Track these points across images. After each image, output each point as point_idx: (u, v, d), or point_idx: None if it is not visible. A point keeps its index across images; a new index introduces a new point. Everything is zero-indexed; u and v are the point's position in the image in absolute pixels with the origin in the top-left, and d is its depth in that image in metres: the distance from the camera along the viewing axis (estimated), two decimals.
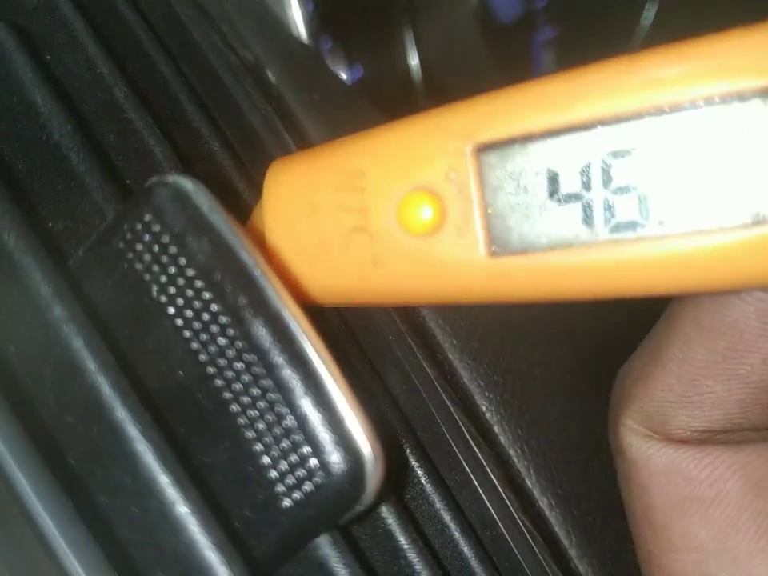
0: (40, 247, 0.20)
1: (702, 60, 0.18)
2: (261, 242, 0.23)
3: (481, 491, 0.25)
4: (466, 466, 0.26)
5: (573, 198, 0.19)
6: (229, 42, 0.33)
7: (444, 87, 0.47)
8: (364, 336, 0.27)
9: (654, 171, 0.18)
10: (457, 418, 0.26)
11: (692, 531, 0.23)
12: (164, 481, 0.18)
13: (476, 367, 0.28)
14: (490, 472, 0.26)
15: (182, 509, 0.18)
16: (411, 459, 0.25)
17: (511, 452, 0.27)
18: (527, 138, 0.19)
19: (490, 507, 0.25)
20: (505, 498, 0.25)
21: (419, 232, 0.21)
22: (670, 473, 0.24)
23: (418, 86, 0.47)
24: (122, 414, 0.19)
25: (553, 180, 0.19)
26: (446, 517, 0.24)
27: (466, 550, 0.24)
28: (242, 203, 0.28)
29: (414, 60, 0.47)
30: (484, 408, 0.28)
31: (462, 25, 0.47)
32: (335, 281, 0.22)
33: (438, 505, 0.25)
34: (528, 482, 0.27)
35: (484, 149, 0.20)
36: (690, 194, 0.18)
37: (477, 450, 0.26)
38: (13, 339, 0.20)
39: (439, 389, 0.27)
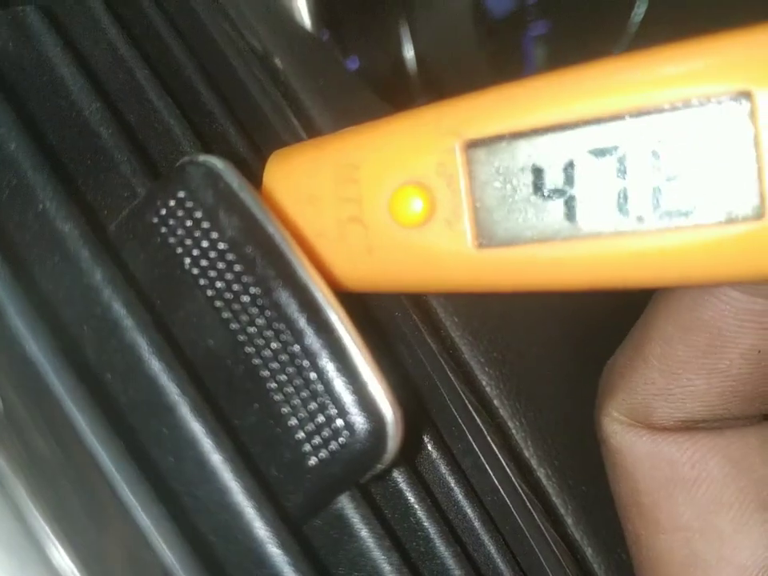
0: (80, 216, 0.21)
1: (679, 64, 0.19)
2: None
3: (483, 459, 0.27)
4: (468, 435, 0.27)
5: (556, 193, 0.20)
6: (238, 28, 0.34)
7: (438, 80, 0.48)
8: (371, 310, 0.29)
9: (634, 170, 0.20)
10: (460, 391, 0.28)
11: (678, 511, 0.25)
12: (199, 431, 0.20)
13: (476, 344, 0.30)
14: (491, 442, 0.27)
15: (217, 457, 0.20)
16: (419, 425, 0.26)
17: (510, 424, 0.29)
18: (514, 136, 0.20)
19: (491, 474, 0.27)
20: (505, 466, 0.27)
21: (410, 223, 0.22)
22: (653, 457, 0.25)
23: (413, 78, 0.48)
24: (159, 369, 0.20)
25: (538, 176, 0.20)
26: (451, 481, 0.26)
27: (469, 512, 0.26)
28: (256, 184, 0.29)
29: (409, 52, 0.48)
30: (484, 383, 0.29)
31: (457, 19, 0.48)
32: (331, 268, 0.24)
33: (444, 469, 0.26)
34: (526, 453, 0.28)
35: (473, 145, 0.21)
36: (667, 192, 0.19)
37: (479, 421, 0.27)
38: (54, 302, 0.21)
39: (443, 362, 0.28)
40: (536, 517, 0.27)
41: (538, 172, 0.20)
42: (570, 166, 0.20)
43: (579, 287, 0.21)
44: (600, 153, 0.20)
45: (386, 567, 0.21)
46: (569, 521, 0.28)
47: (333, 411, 0.21)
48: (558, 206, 0.20)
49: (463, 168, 0.21)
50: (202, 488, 0.20)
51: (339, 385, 0.21)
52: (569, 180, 0.20)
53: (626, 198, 0.20)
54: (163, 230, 0.23)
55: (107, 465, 0.18)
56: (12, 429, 0.18)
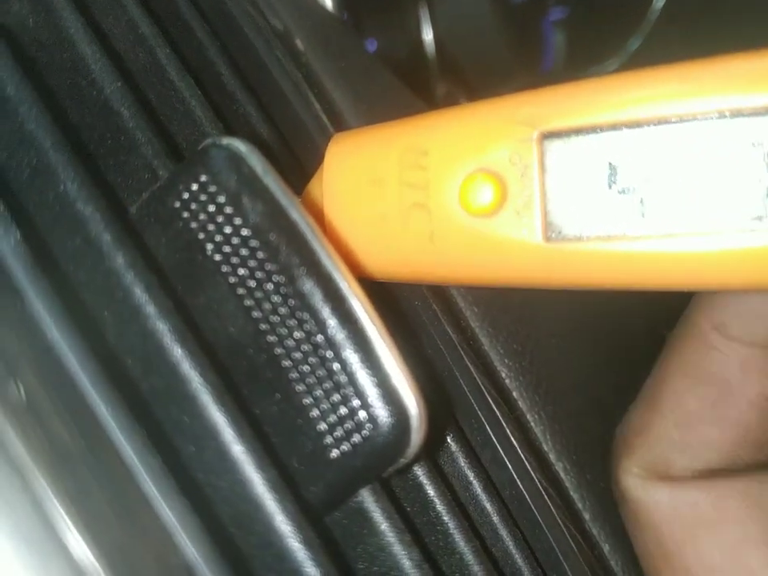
0: (101, 197, 0.21)
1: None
2: (316, 212, 0.24)
3: (501, 452, 0.26)
4: (487, 427, 0.27)
5: (630, 191, 0.20)
6: (260, 8, 0.34)
7: (457, 63, 0.48)
8: (392, 300, 0.28)
9: (714, 171, 0.19)
10: (479, 382, 0.27)
11: (705, 553, 0.25)
12: (221, 420, 0.19)
13: (496, 335, 0.29)
14: (510, 435, 0.27)
15: (238, 448, 0.19)
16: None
17: (529, 417, 0.28)
18: (591, 130, 0.20)
19: (510, 467, 0.26)
20: (524, 459, 0.27)
21: (478, 212, 0.21)
22: (675, 502, 0.25)
23: (431, 62, 0.47)
24: (181, 357, 0.20)
25: (612, 171, 0.20)
26: (470, 474, 0.26)
27: (488, 506, 0.25)
28: (277, 167, 0.29)
29: (428, 35, 0.47)
30: (503, 374, 0.29)
31: (476, 2, 0.48)
32: (391, 255, 0.23)
33: (462, 462, 0.26)
34: (545, 447, 0.28)
35: (549, 136, 0.21)
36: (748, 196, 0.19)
37: (498, 413, 0.27)
38: (75, 286, 0.20)
39: (462, 353, 0.28)
40: (554, 512, 0.26)
41: (613, 168, 0.20)
42: (645, 164, 0.20)
43: (644, 287, 0.21)
44: (678, 154, 0.20)
45: (406, 563, 0.21)
46: (586, 516, 0.28)
47: (356, 403, 0.20)
48: (630, 202, 0.20)
49: (538, 159, 0.21)
50: (223, 479, 0.19)
51: (363, 377, 0.20)
52: (643, 178, 0.20)
53: (701, 199, 0.19)
54: (185, 214, 0.22)
55: (129, 454, 0.18)
56: (33, 417, 0.18)
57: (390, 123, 0.24)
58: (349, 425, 0.20)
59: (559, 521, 0.26)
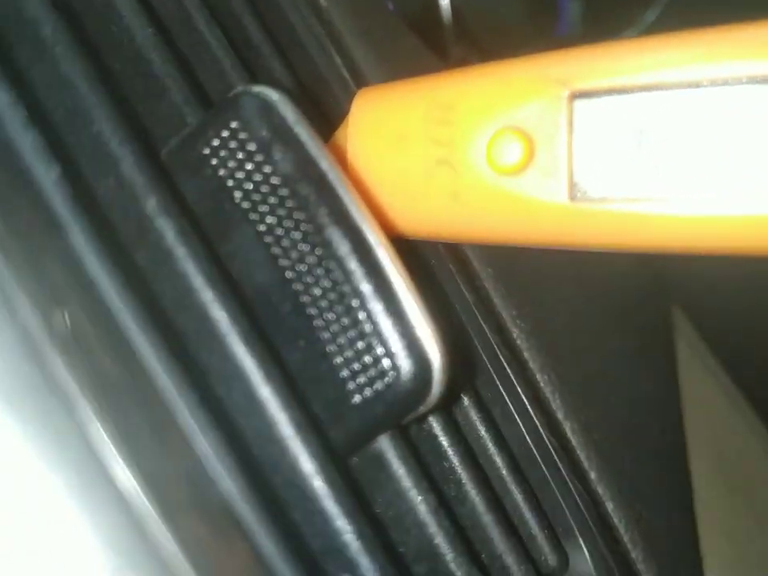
0: (135, 140, 0.21)
1: None
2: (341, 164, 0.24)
3: (512, 408, 0.27)
4: (499, 384, 0.27)
5: (657, 153, 0.20)
6: None
7: (472, 28, 0.48)
8: (408, 257, 0.29)
9: (737, 138, 0.19)
10: (491, 341, 0.28)
11: None
12: (249, 362, 0.20)
13: (509, 296, 0.30)
14: (520, 392, 0.27)
15: (266, 389, 0.20)
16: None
17: (539, 377, 0.29)
18: (622, 91, 0.20)
19: (520, 424, 0.27)
20: (533, 416, 0.27)
21: (505, 171, 0.22)
22: None
23: (447, 25, 0.47)
24: (210, 299, 0.20)
25: (640, 134, 0.20)
26: (482, 428, 0.26)
27: (498, 459, 0.26)
28: None
29: (444, 0, 0.47)
30: (515, 335, 0.29)
31: None
32: (414, 212, 0.24)
33: (474, 416, 0.26)
34: (553, 405, 0.29)
35: (580, 96, 0.21)
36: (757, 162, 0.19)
37: (509, 371, 0.28)
38: (111, 223, 0.21)
39: (476, 312, 0.28)
40: (562, 469, 0.27)
41: (641, 130, 0.20)
42: (674, 127, 0.20)
43: (666, 249, 0.21)
44: (707, 118, 0.20)
45: (422, 508, 0.22)
46: (592, 475, 0.28)
47: (380, 351, 0.21)
48: (656, 165, 0.20)
49: (567, 118, 0.21)
50: (251, 419, 0.20)
51: (388, 326, 0.21)
52: (671, 141, 0.20)
53: (729, 164, 0.20)
54: (214, 161, 0.22)
55: (168, 386, 0.18)
56: (78, 346, 0.18)
57: (416, 79, 0.24)
58: (372, 372, 0.21)
59: (566, 477, 0.27)
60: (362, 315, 0.21)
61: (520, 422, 0.27)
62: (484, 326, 0.28)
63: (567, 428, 0.29)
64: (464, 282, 0.29)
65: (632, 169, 0.21)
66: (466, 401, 0.27)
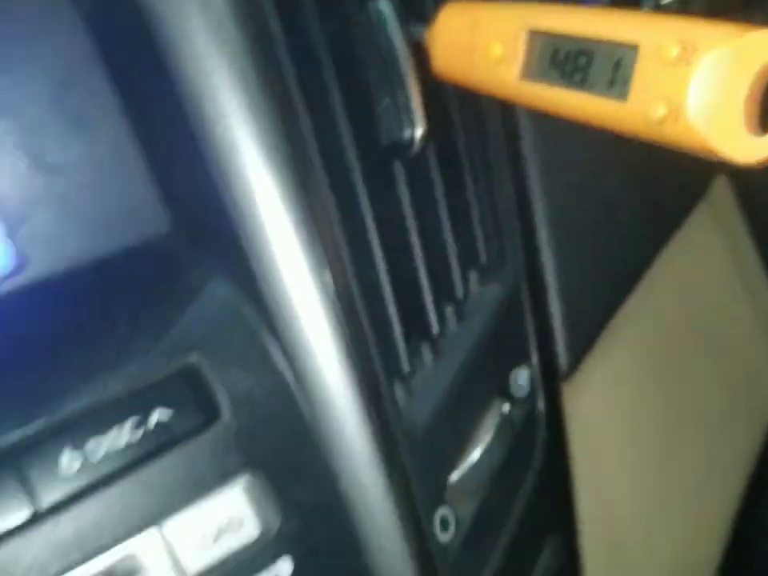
0: None
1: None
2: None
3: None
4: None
5: (564, 64, 0.31)
6: None
7: None
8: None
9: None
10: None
11: None
12: None
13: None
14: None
15: None
16: None
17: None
18: (558, 35, 0.31)
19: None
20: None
21: (491, 61, 0.33)
22: None
23: None
24: None
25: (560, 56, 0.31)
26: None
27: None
28: None
29: None
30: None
31: None
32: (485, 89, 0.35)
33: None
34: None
35: (536, 32, 0.32)
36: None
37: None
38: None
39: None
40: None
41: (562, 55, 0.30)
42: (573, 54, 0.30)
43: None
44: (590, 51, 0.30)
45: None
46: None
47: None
48: (564, 70, 0.31)
49: (528, 41, 0.32)
50: None
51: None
52: (573, 62, 0.30)
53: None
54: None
55: None
56: None
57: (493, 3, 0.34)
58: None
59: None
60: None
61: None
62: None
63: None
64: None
65: (552, 71, 0.31)
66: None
